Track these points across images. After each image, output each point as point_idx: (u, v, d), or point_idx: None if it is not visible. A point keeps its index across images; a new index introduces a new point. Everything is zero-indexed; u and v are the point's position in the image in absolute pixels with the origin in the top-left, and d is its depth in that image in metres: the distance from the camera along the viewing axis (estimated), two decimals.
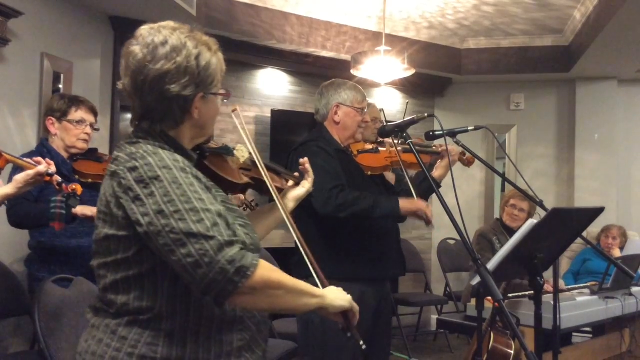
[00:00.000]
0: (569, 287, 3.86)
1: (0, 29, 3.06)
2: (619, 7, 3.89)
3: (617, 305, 3.46)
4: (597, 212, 2.41)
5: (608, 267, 3.56)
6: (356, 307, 1.42)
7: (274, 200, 1.60)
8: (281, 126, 5.27)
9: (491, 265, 2.33)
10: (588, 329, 3.98)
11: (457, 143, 2.40)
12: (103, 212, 1.30)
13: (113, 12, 4.08)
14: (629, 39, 4.54)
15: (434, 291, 5.81)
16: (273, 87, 5.43)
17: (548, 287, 3.04)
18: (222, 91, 1.41)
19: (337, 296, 1.39)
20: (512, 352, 2.99)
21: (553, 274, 2.71)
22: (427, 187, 2.60)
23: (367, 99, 2.75)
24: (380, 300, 2.61)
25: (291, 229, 1.53)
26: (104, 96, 4.06)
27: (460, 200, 1.96)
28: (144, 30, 1.33)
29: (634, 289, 3.67)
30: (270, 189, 1.59)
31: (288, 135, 5.30)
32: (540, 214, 2.28)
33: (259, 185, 1.64)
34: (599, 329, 3.94)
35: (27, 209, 2.55)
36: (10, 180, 2.23)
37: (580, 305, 3.29)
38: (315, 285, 1.42)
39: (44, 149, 2.72)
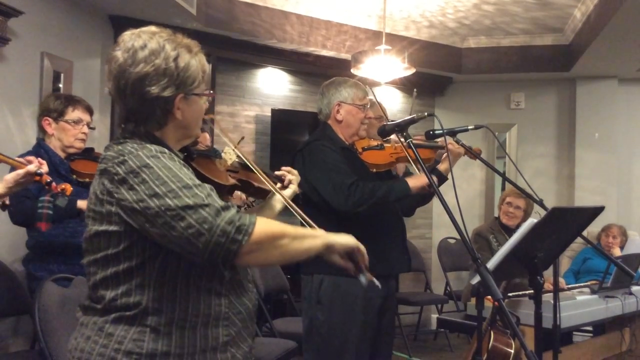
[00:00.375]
0: (569, 286, 3.86)
1: (0, 28, 3.06)
2: (619, 6, 3.89)
3: (617, 305, 3.46)
4: (597, 211, 2.41)
5: (608, 266, 3.55)
6: (362, 246, 1.42)
7: (260, 201, 1.70)
8: (281, 125, 5.27)
9: (491, 264, 2.33)
10: (588, 328, 3.98)
11: (457, 142, 2.40)
12: (93, 209, 1.35)
13: (113, 11, 4.08)
14: (629, 38, 4.54)
15: (434, 290, 5.81)
16: (273, 86, 5.43)
17: (548, 285, 3.04)
18: (205, 92, 1.45)
19: (341, 236, 1.41)
20: (512, 351, 2.99)
21: (553, 273, 2.70)
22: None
23: (372, 97, 2.75)
24: (385, 297, 2.62)
25: (292, 210, 1.63)
26: (104, 95, 4.06)
27: (460, 199, 1.96)
28: (126, 35, 1.39)
29: (634, 288, 3.67)
30: (262, 177, 1.68)
31: (288, 134, 5.30)
32: (540, 213, 2.28)
33: (246, 187, 1.73)
34: (599, 328, 3.94)
35: (26, 206, 2.54)
36: None
37: (581, 305, 3.29)
38: None
39: (41, 149, 2.70)
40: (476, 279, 2.38)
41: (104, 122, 4.13)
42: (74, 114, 2.76)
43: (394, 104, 6.03)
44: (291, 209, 1.65)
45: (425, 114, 2.22)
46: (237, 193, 2.62)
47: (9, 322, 3.12)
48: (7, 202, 2.16)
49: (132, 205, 1.26)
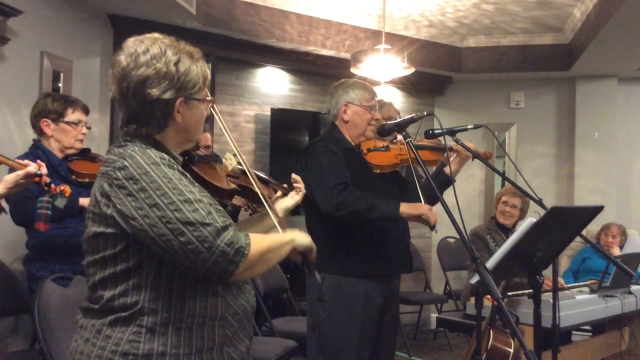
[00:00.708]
0: (569, 285, 3.86)
1: (0, 27, 3.06)
2: (619, 5, 3.89)
3: (617, 304, 3.45)
4: (597, 210, 2.41)
5: (607, 265, 3.55)
6: (314, 246, 1.59)
7: (262, 207, 1.71)
8: (281, 125, 5.27)
9: (490, 263, 2.33)
10: (587, 328, 3.98)
11: (457, 142, 2.40)
12: (92, 211, 1.38)
13: (113, 11, 4.07)
14: (628, 37, 4.54)
15: (433, 289, 5.81)
16: (273, 85, 5.43)
17: (547, 284, 3.04)
18: (207, 98, 1.48)
19: (301, 237, 1.55)
20: (512, 350, 2.99)
21: (552, 273, 2.70)
22: (441, 182, 2.60)
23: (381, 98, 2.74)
24: (387, 297, 2.62)
25: (279, 228, 1.64)
26: (104, 94, 4.06)
27: (460, 198, 1.96)
28: (130, 41, 1.43)
29: (634, 288, 3.67)
30: (258, 191, 1.69)
31: (288, 133, 5.30)
32: (540, 212, 2.28)
33: (246, 192, 1.75)
34: (599, 327, 3.94)
35: (27, 206, 2.54)
36: None
37: (580, 304, 3.29)
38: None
39: (38, 151, 2.69)
40: (475, 279, 2.39)
41: (104, 122, 4.13)
42: (73, 115, 2.76)
43: (394, 104, 6.01)
44: (271, 214, 1.67)
45: (425, 113, 2.22)
46: None
47: (9, 321, 3.13)
48: (3, 204, 2.17)
49: (131, 211, 1.28)
